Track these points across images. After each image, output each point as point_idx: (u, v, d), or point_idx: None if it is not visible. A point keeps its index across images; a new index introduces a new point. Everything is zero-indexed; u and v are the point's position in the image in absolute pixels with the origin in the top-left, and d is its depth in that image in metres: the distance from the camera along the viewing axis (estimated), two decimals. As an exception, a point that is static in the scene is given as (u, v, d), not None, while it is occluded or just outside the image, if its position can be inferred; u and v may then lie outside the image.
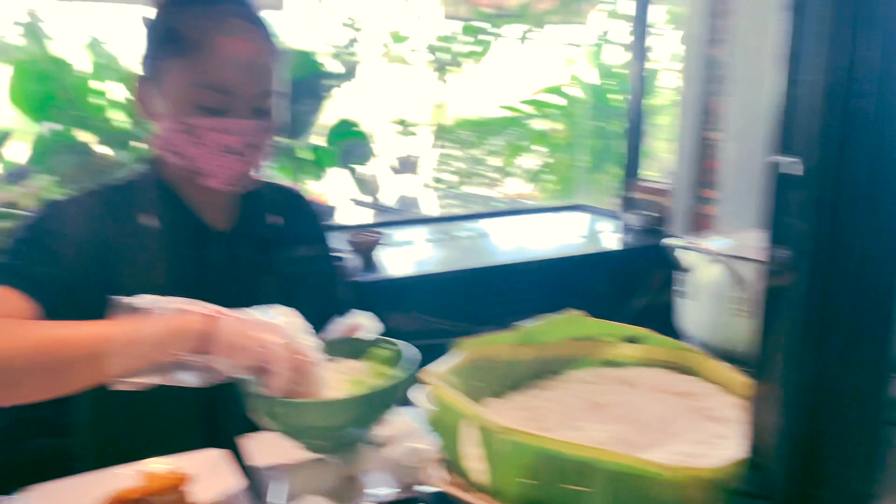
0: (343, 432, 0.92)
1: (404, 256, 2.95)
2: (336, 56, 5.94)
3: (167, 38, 1.07)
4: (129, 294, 0.98)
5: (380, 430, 1.03)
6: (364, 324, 1.04)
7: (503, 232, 3.35)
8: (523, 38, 6.25)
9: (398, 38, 6.66)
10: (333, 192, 6.60)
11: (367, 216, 5.40)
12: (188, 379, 0.87)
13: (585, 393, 0.97)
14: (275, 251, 1.21)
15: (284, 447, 0.99)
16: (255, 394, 0.89)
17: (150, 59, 1.10)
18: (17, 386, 0.90)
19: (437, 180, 7.01)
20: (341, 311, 1.17)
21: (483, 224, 3.51)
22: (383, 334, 1.05)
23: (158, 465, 0.96)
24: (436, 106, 6.72)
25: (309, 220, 1.34)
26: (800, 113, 0.55)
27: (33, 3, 6.82)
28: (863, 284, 0.55)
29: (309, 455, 0.97)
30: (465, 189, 7.12)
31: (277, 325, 0.89)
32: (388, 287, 2.58)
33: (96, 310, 1.02)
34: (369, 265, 2.68)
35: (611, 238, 3.27)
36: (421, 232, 3.35)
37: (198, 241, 1.15)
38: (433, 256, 3.06)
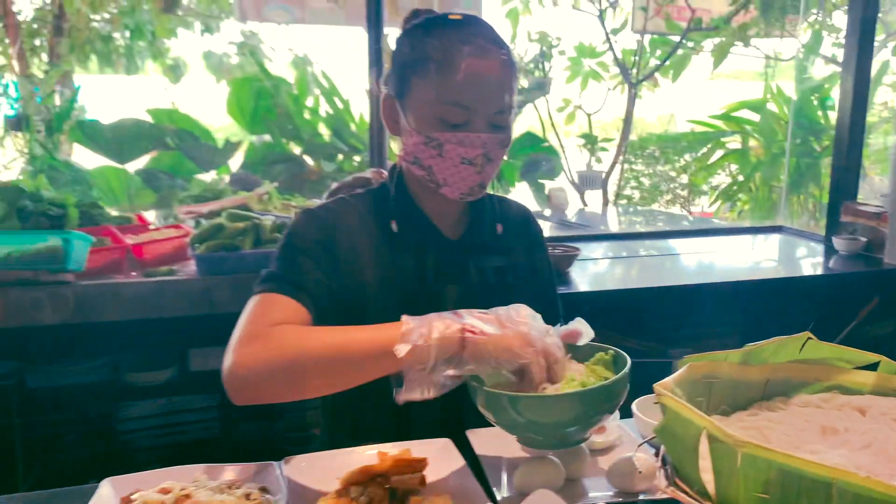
0: (560, 430, 0.97)
1: (594, 272, 2.97)
2: (526, 71, 6.05)
3: (414, 59, 1.17)
4: (372, 291, 1.10)
5: (600, 438, 1.07)
6: (582, 330, 1.08)
7: (695, 251, 3.27)
8: (720, 52, 6.03)
9: (588, 53, 6.66)
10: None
11: (549, 231, 5.42)
12: (448, 384, 0.97)
13: (815, 417, 0.95)
14: (500, 260, 1.28)
15: (508, 443, 1.06)
16: (478, 387, 0.97)
17: (397, 78, 1.20)
18: (306, 383, 1.04)
19: (622, 196, 6.91)
20: (558, 318, 1.22)
21: (674, 243, 3.45)
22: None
23: (393, 449, 1.05)
24: (623, 121, 6.62)
25: (533, 233, 1.41)
26: None
27: (252, 26, 7.50)
28: None
29: (533, 453, 1.03)
30: (650, 206, 6.96)
31: (530, 331, 0.97)
32: (580, 301, 2.60)
33: (351, 308, 1.14)
34: (562, 279, 2.73)
35: (814, 263, 3.11)
36: (611, 248, 3.35)
37: (433, 248, 1.25)
38: (624, 273, 3.05)
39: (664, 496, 0.90)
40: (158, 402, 2.61)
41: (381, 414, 1.25)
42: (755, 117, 6.29)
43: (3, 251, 2.03)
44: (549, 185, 5.85)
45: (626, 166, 6.88)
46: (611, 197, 6.62)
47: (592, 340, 1.10)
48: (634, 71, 6.43)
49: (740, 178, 6.50)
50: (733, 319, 2.71)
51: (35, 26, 7.35)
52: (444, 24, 1.18)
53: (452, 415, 1.17)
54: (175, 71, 7.64)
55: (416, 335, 0.95)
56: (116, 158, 4.95)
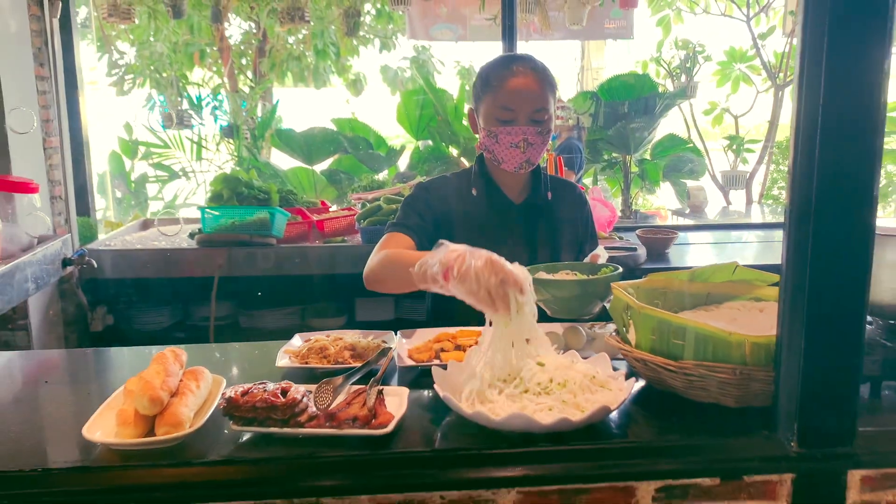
0: (569, 303, 1.56)
1: (693, 254, 3.42)
2: (674, 76, 6.40)
3: (483, 83, 1.79)
4: (461, 236, 1.73)
5: (601, 331, 1.63)
6: (599, 254, 1.67)
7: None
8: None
9: (738, 57, 6.88)
10: (665, 203, 7.04)
11: (673, 220, 5.72)
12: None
13: (730, 314, 1.46)
14: (550, 216, 1.88)
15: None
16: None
17: (475, 95, 1.83)
18: (389, 282, 1.66)
19: (768, 196, 7.05)
20: (592, 248, 1.81)
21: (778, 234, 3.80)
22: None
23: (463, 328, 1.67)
24: (769, 122, 6.78)
25: (577, 200, 1.97)
26: None
27: (424, 42, 8.33)
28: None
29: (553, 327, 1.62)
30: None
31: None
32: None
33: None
34: (660, 258, 3.22)
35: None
36: (724, 236, 3.78)
37: (501, 208, 1.86)
38: (717, 255, 3.47)
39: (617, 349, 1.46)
40: (332, 344, 3.36)
41: (460, 311, 1.86)
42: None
43: (228, 220, 2.86)
44: (689, 184, 6.17)
45: (772, 167, 7.01)
46: (755, 197, 6.79)
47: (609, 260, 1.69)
48: (782, 74, 6.59)
49: None
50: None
51: (242, 47, 8.63)
52: (504, 58, 1.80)
53: None
54: (356, 85, 8.67)
55: (422, 265, 1.31)
56: (306, 161, 5.84)
